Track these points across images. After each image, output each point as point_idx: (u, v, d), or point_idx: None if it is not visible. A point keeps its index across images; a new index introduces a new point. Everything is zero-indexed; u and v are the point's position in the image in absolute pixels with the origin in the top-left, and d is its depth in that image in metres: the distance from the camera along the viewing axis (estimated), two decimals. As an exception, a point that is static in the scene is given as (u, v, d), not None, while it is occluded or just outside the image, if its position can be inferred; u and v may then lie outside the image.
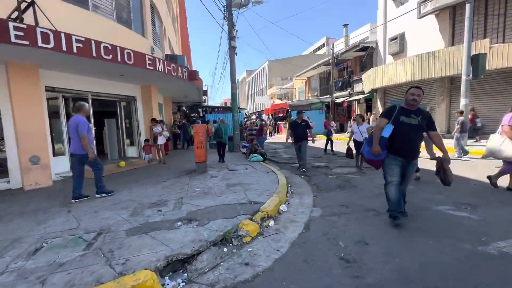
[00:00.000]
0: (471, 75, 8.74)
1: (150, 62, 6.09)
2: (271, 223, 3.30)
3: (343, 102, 18.99)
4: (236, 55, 10.40)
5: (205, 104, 18.57)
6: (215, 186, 4.91)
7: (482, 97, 10.97)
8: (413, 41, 13.69)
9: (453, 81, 11.75)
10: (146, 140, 7.89)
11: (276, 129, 22.62)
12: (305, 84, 27.52)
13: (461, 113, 7.92)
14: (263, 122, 9.62)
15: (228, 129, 8.63)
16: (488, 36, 10.64)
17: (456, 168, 5.85)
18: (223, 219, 3.20)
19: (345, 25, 28.75)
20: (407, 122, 2.87)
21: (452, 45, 11.60)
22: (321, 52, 41.82)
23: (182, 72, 7.48)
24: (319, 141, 12.67)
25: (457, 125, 7.58)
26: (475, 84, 10.97)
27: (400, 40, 14.30)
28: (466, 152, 7.48)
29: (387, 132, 2.92)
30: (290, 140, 7.50)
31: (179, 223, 3.18)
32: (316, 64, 21.93)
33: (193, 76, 7.92)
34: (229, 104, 75.07)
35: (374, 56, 16.85)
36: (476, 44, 9.57)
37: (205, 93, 12.62)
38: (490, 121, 10.86)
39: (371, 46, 16.53)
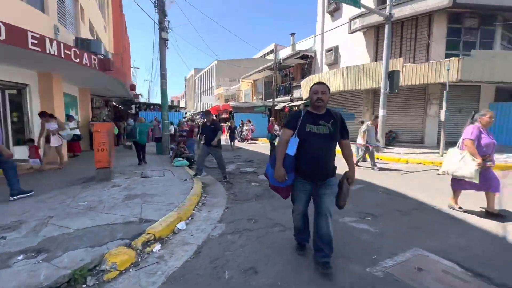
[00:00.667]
0: (388, 89, 9.67)
1: (36, 42, 4.82)
2: (157, 248, 2.69)
3: (284, 107, 19.49)
4: (167, 48, 9.45)
5: (139, 100, 16.70)
6: (110, 198, 4.04)
7: (397, 109, 12.35)
8: (345, 54, 14.77)
9: (376, 93, 12.98)
10: (30, 140, 6.24)
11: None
12: (251, 86, 27.59)
13: (362, 122, 8.81)
14: (194, 123, 8.91)
15: (147, 128, 7.66)
16: (403, 56, 12.07)
17: (366, 174, 6.20)
18: (87, 248, 2.45)
19: (292, 34, 29.90)
20: (315, 132, 2.17)
21: (376, 60, 12.82)
22: (270, 57, 42.90)
23: (90, 60, 6.26)
24: (263, 145, 12.52)
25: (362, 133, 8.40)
26: (392, 97, 12.29)
27: (334, 52, 15.29)
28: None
29: (292, 148, 2.20)
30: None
31: (20, 257, 2.32)
32: (261, 67, 22.11)
33: (105, 65, 6.72)
34: (176, 102, 71.02)
35: (313, 65, 17.73)
36: (392, 62, 10.66)
37: (132, 87, 11.20)
38: (404, 131, 12.33)
39: (310, 55, 17.34)
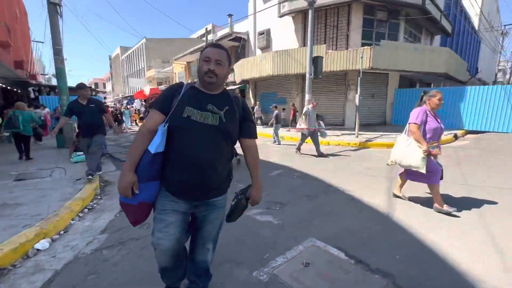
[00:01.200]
0: (312, 74, 10.02)
1: None
2: (-14, 285, 1.96)
3: (219, 91, 18.77)
4: (61, 16, 7.61)
5: (39, 82, 13.46)
6: None
7: (322, 94, 13.10)
8: (276, 38, 14.78)
9: (305, 78, 13.46)
10: None
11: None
12: (184, 69, 25.74)
13: (276, 107, 9.80)
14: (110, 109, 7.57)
15: (29, 117, 6.17)
16: (327, 43, 12.69)
17: (280, 156, 6.30)
18: None
19: (230, 15, 28.65)
20: (196, 120, 1.38)
21: (304, 46, 13.17)
22: (209, 38, 40.49)
23: None
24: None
25: (273, 117, 9.44)
26: (318, 82, 12.96)
27: (266, 35, 15.15)
28: (279, 142, 9.26)
29: (156, 142, 1.38)
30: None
31: None
32: (192, 48, 20.62)
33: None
34: (101, 86, 61.97)
35: (246, 48, 17.33)
36: (317, 48, 11.07)
37: (18, 64, 8.75)
38: (327, 114, 13.23)
39: (243, 38, 16.85)
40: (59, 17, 7.62)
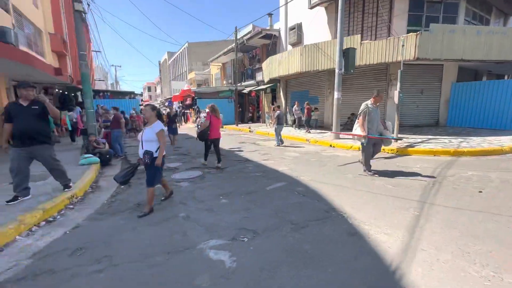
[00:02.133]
0: (343, 69, 8.77)
1: None
2: None
3: (250, 91, 18.33)
4: (84, 22, 7.97)
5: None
6: None
7: (359, 91, 11.56)
8: (308, 32, 13.64)
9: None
10: None
11: (185, 119, 20.69)
12: (220, 70, 26.03)
13: (278, 107, 9.44)
14: (118, 112, 7.68)
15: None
16: (365, 33, 11.13)
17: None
18: None
19: (270, 14, 28.15)
20: None
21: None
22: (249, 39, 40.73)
23: None
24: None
25: (274, 118, 8.79)
26: (354, 78, 11.48)
27: (297, 30, 14.11)
28: (282, 141, 8.81)
29: None
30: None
31: None
32: (226, 49, 20.56)
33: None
34: (153, 89, 67.42)
35: (277, 45, 16.51)
36: (349, 39, 9.71)
37: (58, 71, 9.59)
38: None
39: (274, 35, 16.07)
40: (89, 23, 7.96)
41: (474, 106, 10.47)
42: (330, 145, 8.37)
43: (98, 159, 6.09)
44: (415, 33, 8.40)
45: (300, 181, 4.51)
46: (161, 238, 2.64)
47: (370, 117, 4.72)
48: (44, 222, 3.12)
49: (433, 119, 11.42)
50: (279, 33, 15.98)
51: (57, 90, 15.51)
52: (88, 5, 8.29)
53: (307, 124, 11.46)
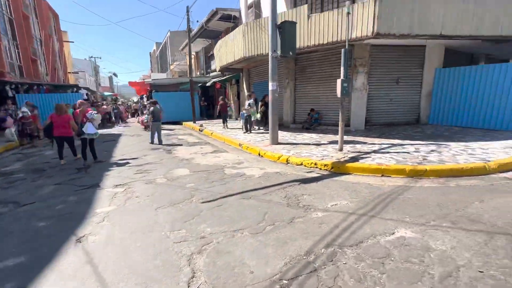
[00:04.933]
0: (278, 51, 6.51)
1: None
2: None
3: (215, 83, 16.11)
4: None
5: (13, 79, 12.68)
6: None
7: (319, 81, 9.28)
8: (266, 9, 11.26)
9: (297, 60, 9.81)
10: None
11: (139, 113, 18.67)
12: (194, 60, 23.77)
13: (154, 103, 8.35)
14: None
15: None
16: (317, 3, 8.72)
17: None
18: None
19: None
20: None
21: (294, 15, 9.48)
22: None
23: None
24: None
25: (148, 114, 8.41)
26: (312, 66, 9.26)
27: (255, 8, 11.77)
28: (160, 141, 8.15)
29: None
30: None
31: None
32: (191, 36, 18.18)
33: None
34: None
35: (240, 28, 14.15)
36: (293, 12, 7.42)
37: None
38: (328, 110, 9.35)
39: (235, 16, 13.71)
40: None
41: (462, 98, 8.12)
42: (259, 154, 6.25)
43: None
44: (373, -2, 6.05)
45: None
46: None
47: None
48: None
49: (412, 115, 9.13)
50: (240, 13, 13.61)
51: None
52: None
53: (256, 122, 9.38)
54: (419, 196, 3.38)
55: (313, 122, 9.44)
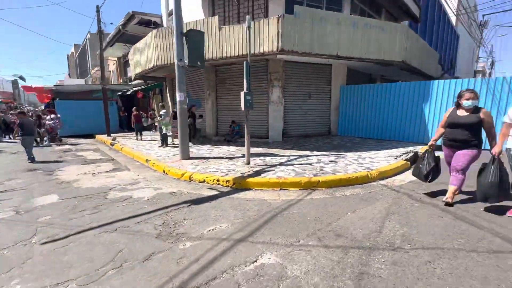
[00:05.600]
0: (186, 60, 6.13)
1: None
2: None
3: (136, 91, 14.70)
4: None
5: None
6: None
7: (238, 94, 9.25)
8: (185, 16, 10.85)
9: (218, 71, 9.62)
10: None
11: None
12: (116, 66, 21.53)
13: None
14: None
15: None
16: (242, 21, 8.86)
17: None
18: None
19: None
20: None
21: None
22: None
23: None
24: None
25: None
26: (232, 78, 9.20)
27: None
28: None
29: None
30: None
31: None
32: (108, 39, 16.41)
33: None
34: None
35: (163, 35, 13.33)
36: (205, 23, 7.24)
37: None
38: (250, 123, 9.33)
39: (155, 21, 12.88)
40: None
41: (362, 112, 9.18)
42: (163, 171, 5.62)
43: None
44: (276, 16, 6.31)
45: None
46: None
47: None
48: None
49: (324, 127, 9.88)
50: (161, 19, 12.87)
51: None
52: None
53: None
54: (303, 210, 3.36)
55: (234, 135, 9.29)
